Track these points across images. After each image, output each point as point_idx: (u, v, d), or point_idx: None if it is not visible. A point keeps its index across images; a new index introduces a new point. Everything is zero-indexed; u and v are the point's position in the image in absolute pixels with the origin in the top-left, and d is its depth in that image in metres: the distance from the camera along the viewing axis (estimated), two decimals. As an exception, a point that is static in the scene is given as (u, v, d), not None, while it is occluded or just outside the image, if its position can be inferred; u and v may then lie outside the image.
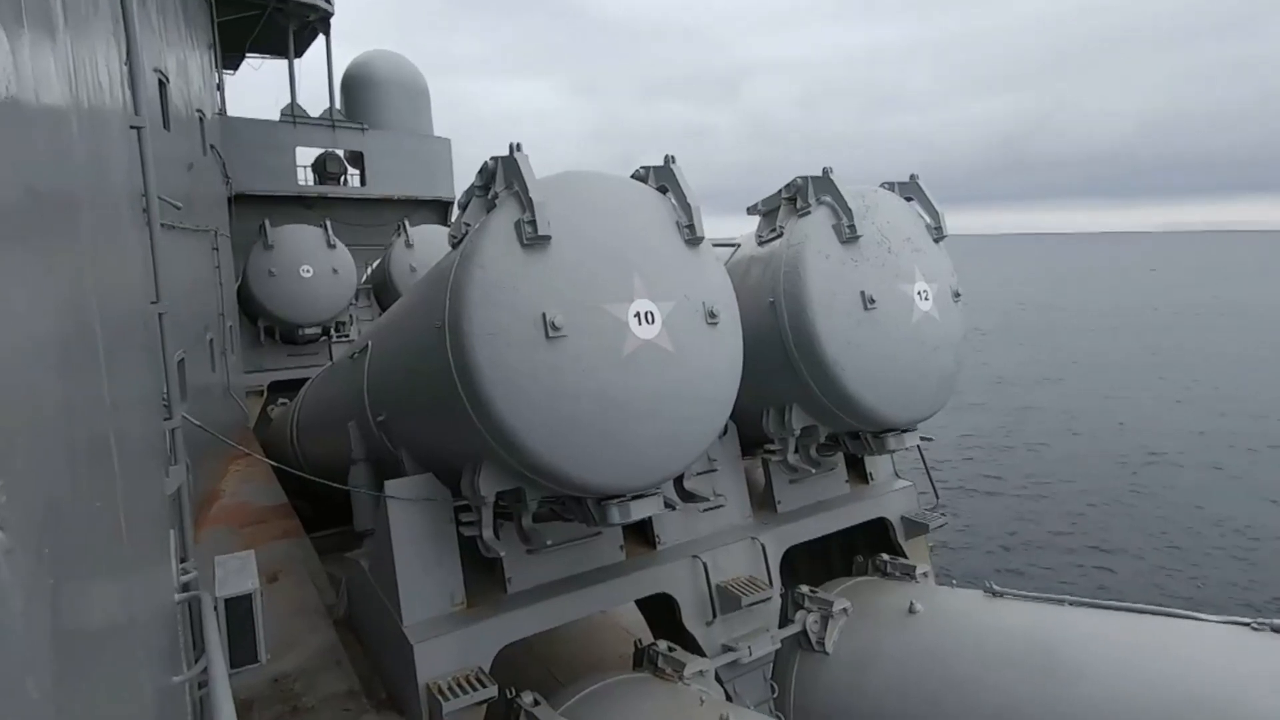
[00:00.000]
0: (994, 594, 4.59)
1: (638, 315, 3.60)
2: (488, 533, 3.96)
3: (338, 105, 17.27)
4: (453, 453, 3.98)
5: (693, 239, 3.99)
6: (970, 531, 16.54)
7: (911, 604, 4.76)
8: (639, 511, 3.79)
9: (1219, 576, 14.09)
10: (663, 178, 4.18)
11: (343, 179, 17.79)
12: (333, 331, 13.18)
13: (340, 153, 17.55)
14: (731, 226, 5.70)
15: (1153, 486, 19.23)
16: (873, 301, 4.72)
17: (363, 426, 5.29)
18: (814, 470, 5.51)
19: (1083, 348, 40.79)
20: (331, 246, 12.65)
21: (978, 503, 18.49)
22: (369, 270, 16.07)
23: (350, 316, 13.66)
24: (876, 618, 4.93)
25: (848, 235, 4.83)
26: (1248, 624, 3.42)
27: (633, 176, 4.31)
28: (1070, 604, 4.23)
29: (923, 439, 5.66)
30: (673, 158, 4.18)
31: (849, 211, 4.85)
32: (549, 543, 4.41)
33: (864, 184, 5.40)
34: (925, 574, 5.53)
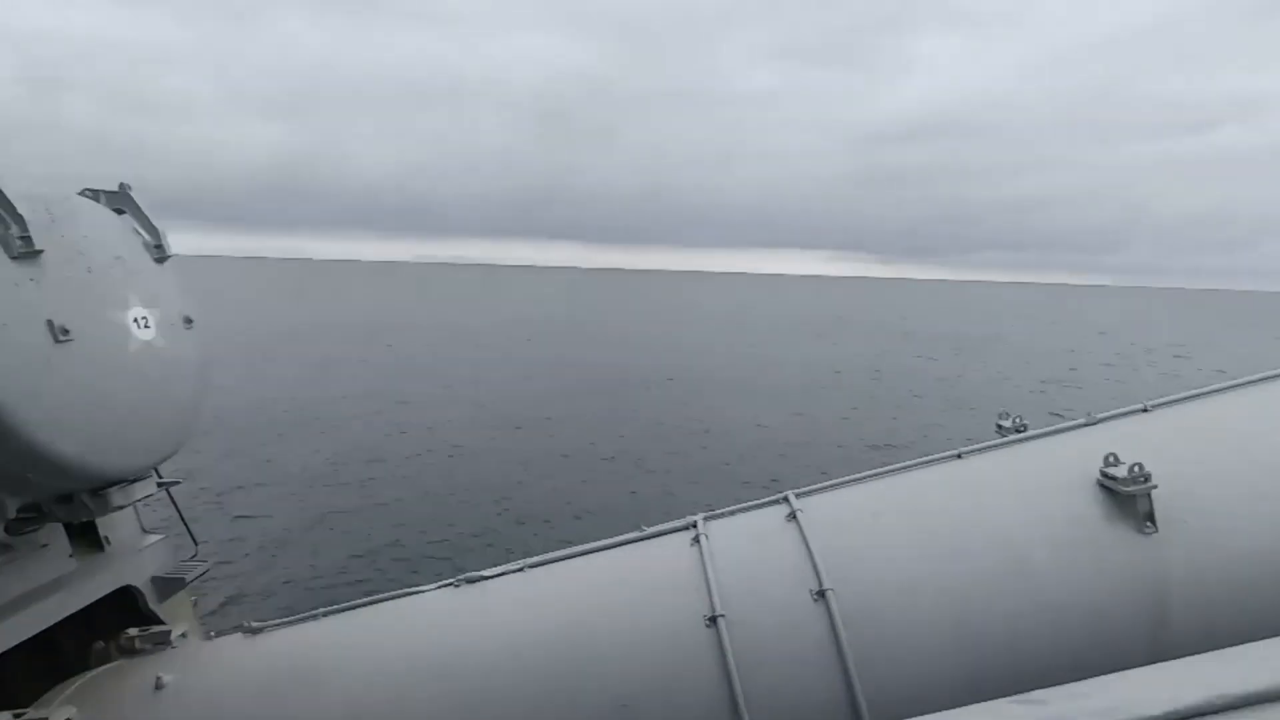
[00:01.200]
0: (253, 631, 4.40)
1: None
2: None
3: None
4: None
5: None
6: (257, 567, 15.78)
7: (158, 679, 4.12)
8: None
9: (428, 552, 16.90)
10: None
11: None
12: None
13: None
14: None
15: (392, 483, 21.88)
16: (66, 332, 3.84)
17: None
18: (5, 556, 4.17)
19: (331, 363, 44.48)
20: None
21: (261, 531, 17.82)
22: None
23: None
24: (117, 712, 4.08)
25: (20, 249, 3.79)
26: (453, 583, 4.23)
27: None
28: (324, 615, 4.42)
29: (166, 484, 5.00)
30: None
31: (20, 219, 3.81)
32: None
33: (53, 186, 4.40)
34: (184, 634, 4.88)
